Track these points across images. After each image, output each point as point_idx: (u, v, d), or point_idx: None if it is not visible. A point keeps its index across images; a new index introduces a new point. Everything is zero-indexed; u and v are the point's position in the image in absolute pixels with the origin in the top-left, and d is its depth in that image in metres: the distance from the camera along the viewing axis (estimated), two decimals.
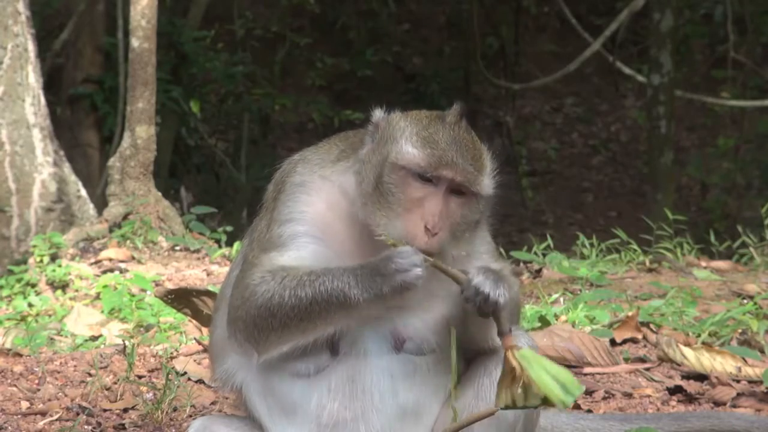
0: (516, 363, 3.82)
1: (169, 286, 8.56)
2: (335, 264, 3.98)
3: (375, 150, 4.01)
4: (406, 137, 3.96)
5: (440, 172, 3.91)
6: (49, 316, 8.29)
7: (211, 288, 7.28)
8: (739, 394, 5.68)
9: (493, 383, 4.01)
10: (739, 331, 6.72)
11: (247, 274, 4.02)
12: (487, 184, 4.00)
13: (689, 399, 5.67)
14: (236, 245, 9.64)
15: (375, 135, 4.05)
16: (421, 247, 3.88)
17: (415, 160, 3.93)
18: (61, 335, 7.55)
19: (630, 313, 6.79)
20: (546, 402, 3.82)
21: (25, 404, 5.46)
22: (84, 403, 5.42)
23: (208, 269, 9.29)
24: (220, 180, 19.41)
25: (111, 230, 9.88)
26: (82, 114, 16.66)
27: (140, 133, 10.11)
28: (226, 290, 4.26)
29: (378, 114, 4.08)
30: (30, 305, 8.45)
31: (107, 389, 5.64)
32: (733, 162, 20.73)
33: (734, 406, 5.58)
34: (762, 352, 6.37)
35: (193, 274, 9.14)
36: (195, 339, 6.71)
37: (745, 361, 6.08)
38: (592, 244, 9.34)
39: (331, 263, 4.00)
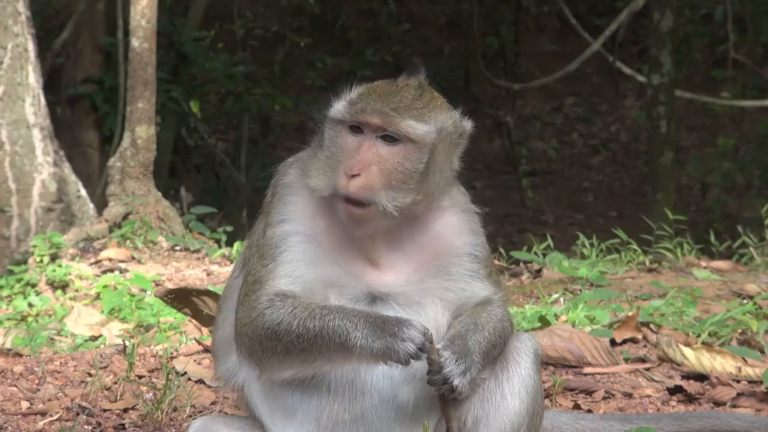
0: None
1: (169, 286, 8.56)
2: (331, 261, 4.03)
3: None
4: (347, 96, 4.09)
5: (359, 117, 4.00)
6: (49, 316, 8.29)
7: (211, 288, 7.28)
8: (739, 394, 5.68)
9: (500, 384, 4.08)
10: (739, 331, 6.72)
11: (254, 295, 4.03)
12: (417, 127, 4.01)
13: (689, 399, 5.67)
14: (236, 245, 9.64)
15: None
16: (342, 192, 3.94)
17: (342, 110, 4.03)
18: (61, 335, 7.55)
19: (630, 313, 6.79)
20: None
21: (25, 404, 5.46)
22: (84, 403, 5.43)
23: (208, 269, 9.29)
24: (220, 180, 19.39)
25: (111, 230, 9.88)
26: (82, 114, 16.64)
27: (140, 133, 10.11)
28: (228, 293, 4.28)
29: None
30: (30, 305, 8.45)
31: (107, 389, 5.64)
32: (733, 162, 20.72)
33: (734, 406, 5.58)
34: (762, 352, 6.38)
35: (193, 274, 9.14)
36: (195, 339, 6.71)
37: (745, 361, 6.09)
38: (592, 244, 9.33)
39: (323, 259, 4.03)
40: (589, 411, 5.39)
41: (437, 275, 4.09)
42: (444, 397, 3.97)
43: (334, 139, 4.04)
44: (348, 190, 3.94)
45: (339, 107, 4.06)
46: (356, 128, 4.02)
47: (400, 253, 4.09)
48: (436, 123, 4.06)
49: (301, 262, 4.03)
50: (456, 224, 4.17)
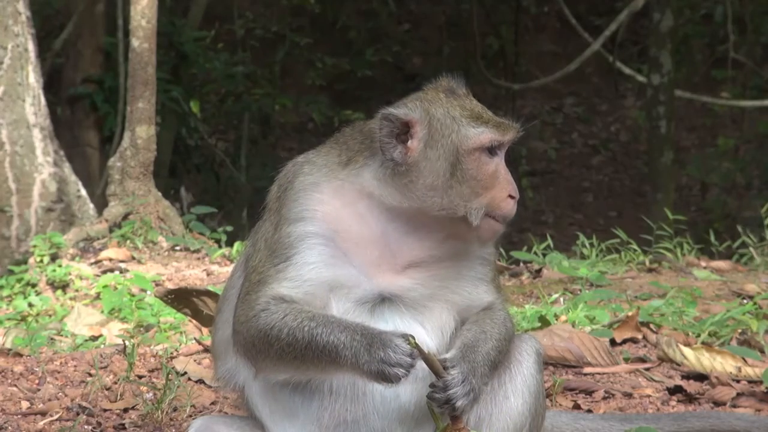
0: None
1: (169, 286, 8.56)
2: (344, 262, 4.00)
3: (430, 146, 4.01)
4: (463, 122, 4.06)
5: (508, 136, 4.09)
6: (49, 316, 8.29)
7: (211, 288, 7.27)
8: (739, 394, 5.68)
9: (503, 384, 4.09)
10: (739, 331, 6.72)
11: (254, 294, 4.01)
12: None
13: (689, 399, 5.67)
14: (236, 245, 9.64)
15: (410, 131, 4.01)
16: (512, 215, 4.10)
17: (488, 136, 4.05)
18: (61, 335, 7.55)
19: (630, 313, 6.78)
20: None
21: (25, 404, 5.46)
22: (84, 403, 5.42)
23: (208, 269, 9.29)
24: (220, 180, 19.39)
25: (111, 230, 9.88)
26: (82, 114, 16.65)
27: (140, 133, 10.11)
28: (229, 292, 4.26)
29: (401, 111, 4.04)
30: (30, 305, 8.45)
31: (107, 389, 5.64)
32: (733, 162, 20.74)
33: (734, 406, 5.58)
34: (762, 352, 6.37)
35: (193, 274, 9.14)
36: (195, 339, 6.70)
37: (745, 361, 6.09)
38: (592, 244, 9.33)
39: (337, 261, 4.00)
40: (589, 411, 5.38)
41: (448, 277, 4.08)
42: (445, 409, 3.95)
43: (476, 166, 4.02)
44: (513, 211, 4.11)
45: (484, 134, 4.05)
46: (492, 150, 4.06)
47: (420, 252, 4.07)
48: None
49: (314, 264, 4.00)
50: None
